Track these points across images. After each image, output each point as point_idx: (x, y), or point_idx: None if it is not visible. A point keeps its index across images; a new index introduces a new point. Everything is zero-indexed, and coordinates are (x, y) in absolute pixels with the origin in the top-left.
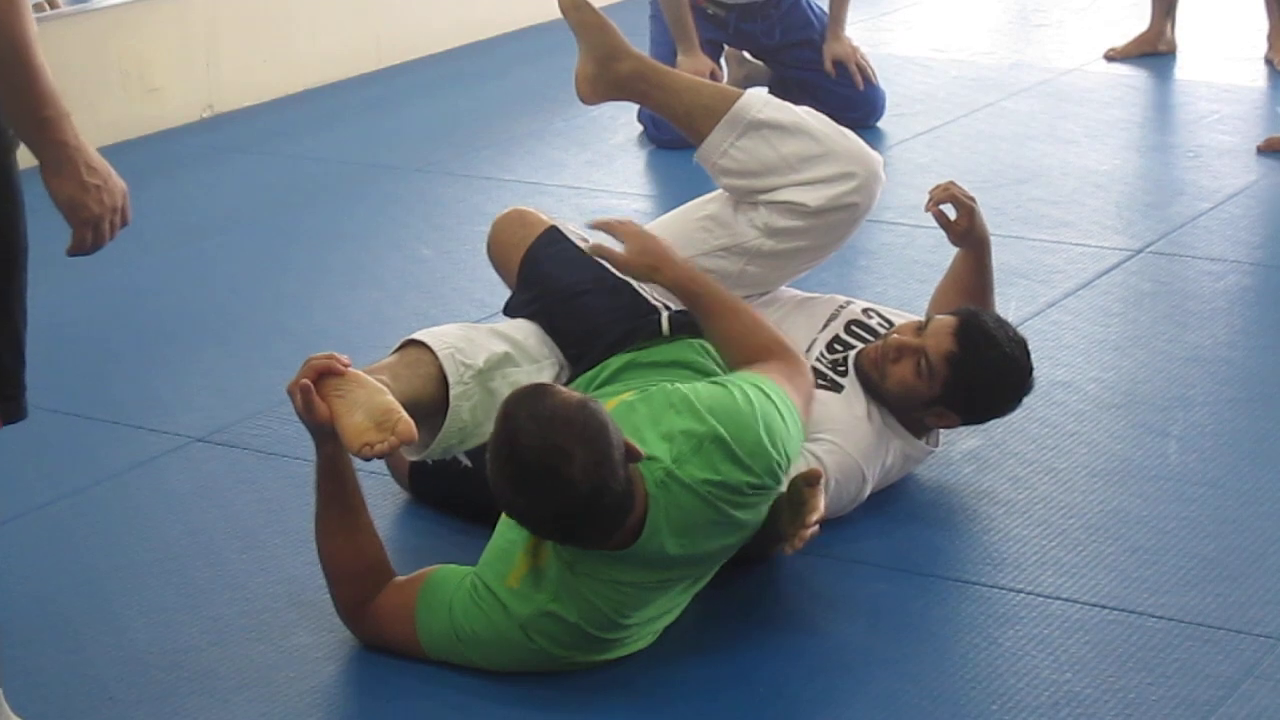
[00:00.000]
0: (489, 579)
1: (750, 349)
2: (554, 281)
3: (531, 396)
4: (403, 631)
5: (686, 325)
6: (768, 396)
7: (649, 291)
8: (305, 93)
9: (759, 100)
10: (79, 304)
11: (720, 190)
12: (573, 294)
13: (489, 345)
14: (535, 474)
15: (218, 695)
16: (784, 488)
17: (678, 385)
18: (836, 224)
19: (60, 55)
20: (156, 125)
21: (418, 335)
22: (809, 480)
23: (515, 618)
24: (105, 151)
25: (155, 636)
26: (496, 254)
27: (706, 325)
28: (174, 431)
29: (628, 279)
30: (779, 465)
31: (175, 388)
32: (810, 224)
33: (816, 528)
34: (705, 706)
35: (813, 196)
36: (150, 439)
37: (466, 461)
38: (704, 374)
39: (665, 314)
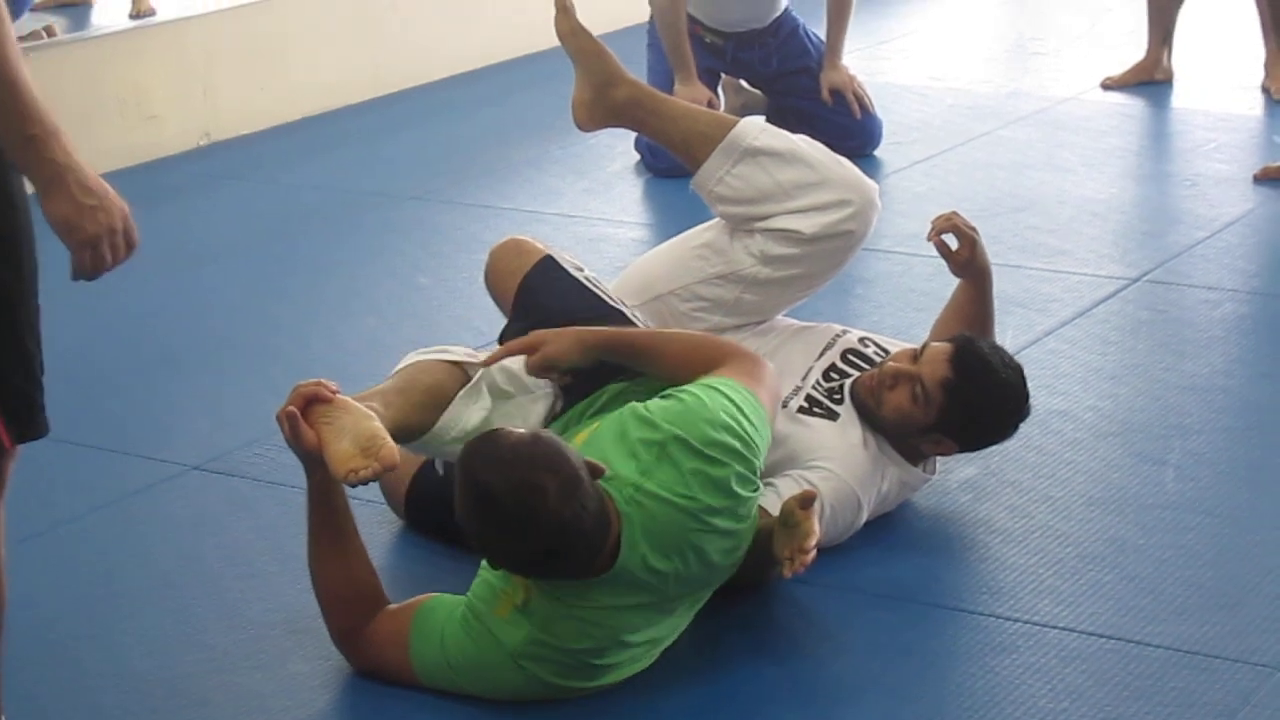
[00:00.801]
0: (479, 609)
1: (700, 363)
2: (548, 310)
3: (484, 443)
4: (396, 658)
5: None
6: (717, 390)
7: (642, 322)
8: (302, 120)
9: (755, 127)
10: (75, 331)
11: (717, 219)
12: (566, 322)
13: (488, 374)
14: (514, 515)
15: None
16: (760, 469)
17: (631, 404)
18: (832, 251)
19: (58, 83)
20: (154, 153)
21: (418, 356)
22: (803, 503)
23: (505, 647)
24: (103, 179)
25: (153, 664)
26: (494, 282)
27: (649, 365)
28: (171, 459)
29: (621, 308)
30: (748, 446)
31: (172, 415)
32: (806, 251)
33: (814, 551)
34: None
35: (808, 224)
36: (147, 466)
37: None
38: None
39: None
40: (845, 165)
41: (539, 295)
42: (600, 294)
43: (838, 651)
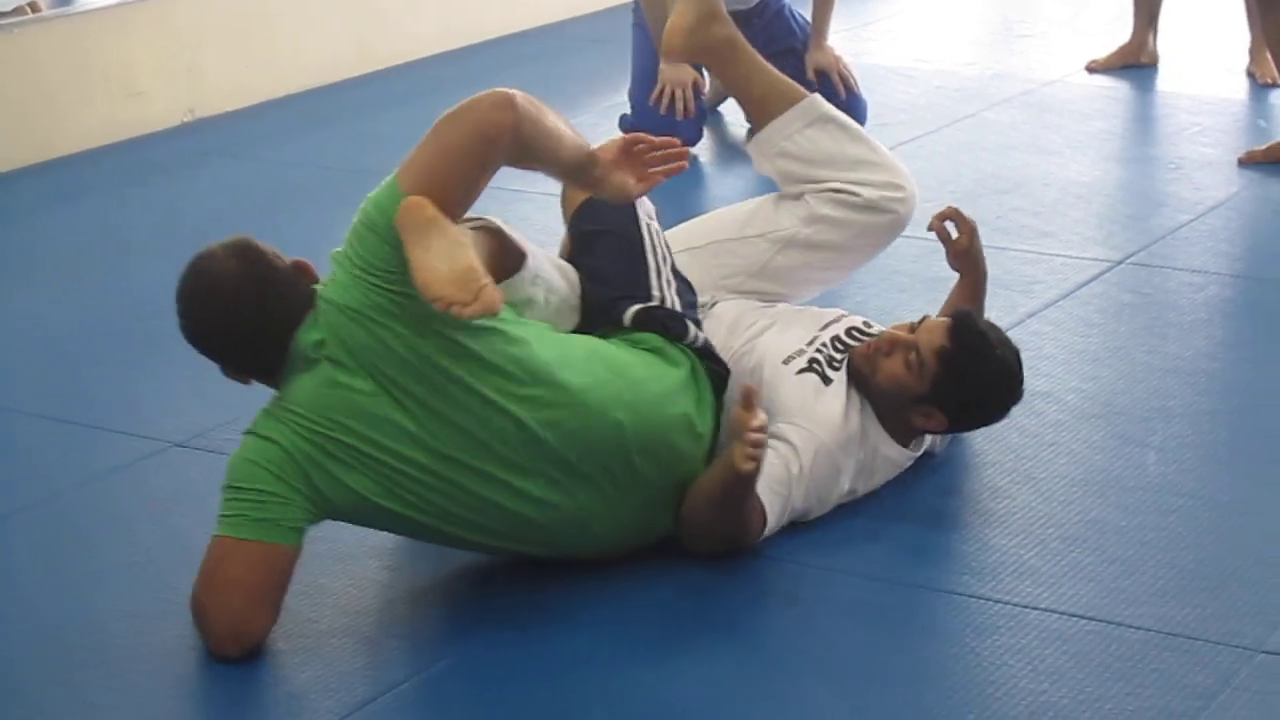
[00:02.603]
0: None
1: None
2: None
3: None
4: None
5: (652, 324)
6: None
7: (661, 281)
8: (287, 98)
9: (826, 102)
10: (60, 308)
11: (762, 197)
12: (599, 232)
13: (547, 269)
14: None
15: (196, 699)
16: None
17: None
18: (874, 227)
19: (43, 59)
20: (139, 129)
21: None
22: (744, 403)
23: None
24: (88, 155)
25: (135, 640)
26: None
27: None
28: (154, 436)
29: (651, 250)
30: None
31: (156, 392)
32: (854, 218)
33: (762, 434)
34: (681, 714)
35: (866, 190)
36: (130, 443)
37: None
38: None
39: (634, 308)
40: (898, 159)
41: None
42: (649, 256)
43: (817, 632)
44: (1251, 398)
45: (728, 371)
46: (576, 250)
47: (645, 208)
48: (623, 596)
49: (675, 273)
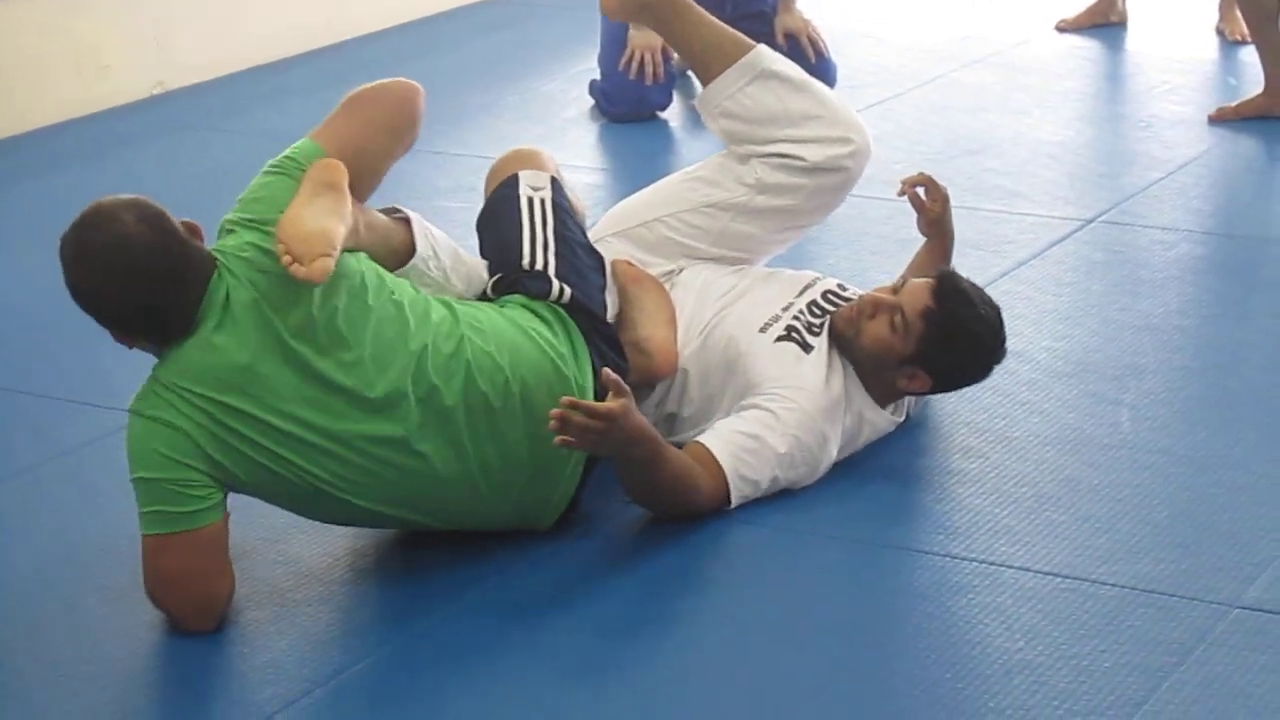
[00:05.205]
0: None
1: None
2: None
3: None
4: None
5: (513, 288)
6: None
7: (536, 246)
8: (256, 69)
9: (771, 54)
10: (30, 282)
11: (706, 161)
12: (486, 222)
13: (440, 269)
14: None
15: (171, 670)
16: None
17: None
18: (826, 188)
19: (10, 33)
20: (107, 103)
21: (413, 220)
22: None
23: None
24: (56, 130)
25: (108, 614)
26: (500, 168)
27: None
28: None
29: (529, 219)
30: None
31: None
32: (802, 182)
33: (566, 412)
34: (656, 678)
35: (810, 152)
36: (102, 416)
37: None
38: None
39: (491, 279)
40: (848, 106)
41: (511, 192)
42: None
43: (793, 594)
44: (1223, 354)
45: (607, 324)
46: (480, 248)
47: (530, 180)
48: (594, 563)
49: (564, 239)
